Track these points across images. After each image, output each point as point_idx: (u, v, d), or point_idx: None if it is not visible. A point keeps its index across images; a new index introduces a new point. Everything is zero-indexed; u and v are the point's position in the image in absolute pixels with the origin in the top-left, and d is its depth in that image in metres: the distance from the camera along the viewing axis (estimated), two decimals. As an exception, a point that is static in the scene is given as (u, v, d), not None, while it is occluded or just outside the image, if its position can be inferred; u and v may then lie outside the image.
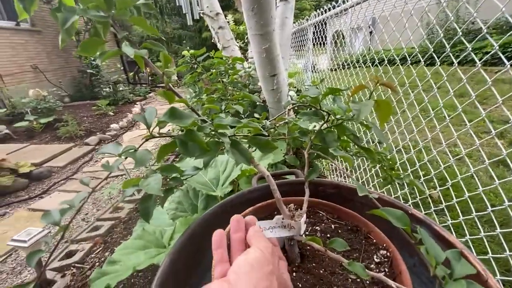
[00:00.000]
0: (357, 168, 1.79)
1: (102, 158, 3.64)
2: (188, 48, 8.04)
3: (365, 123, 0.46)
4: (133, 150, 0.38)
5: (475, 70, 0.87)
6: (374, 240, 0.47)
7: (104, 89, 7.25)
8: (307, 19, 2.99)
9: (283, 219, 0.40)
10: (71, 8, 0.31)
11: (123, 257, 1.05)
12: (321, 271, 0.41)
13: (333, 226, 0.52)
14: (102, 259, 1.57)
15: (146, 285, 1.41)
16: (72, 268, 1.49)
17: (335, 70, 2.42)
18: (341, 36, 2.56)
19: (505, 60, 0.77)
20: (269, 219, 0.40)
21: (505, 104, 0.81)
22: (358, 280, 0.39)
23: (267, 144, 0.45)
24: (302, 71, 3.65)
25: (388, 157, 0.55)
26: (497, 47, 0.80)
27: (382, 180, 0.58)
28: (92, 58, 7.28)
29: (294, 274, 0.41)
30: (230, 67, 2.14)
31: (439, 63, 1.05)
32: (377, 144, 1.74)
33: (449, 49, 0.97)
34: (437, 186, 1.11)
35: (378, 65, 1.62)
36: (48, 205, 2.47)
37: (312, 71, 3.24)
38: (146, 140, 0.41)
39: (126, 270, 0.97)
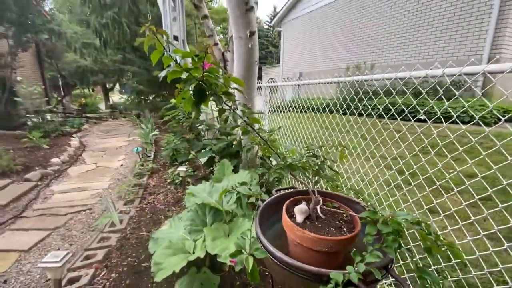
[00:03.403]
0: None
1: (52, 195, 3.45)
2: (134, 82, 8.09)
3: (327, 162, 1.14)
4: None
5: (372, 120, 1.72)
6: (345, 211, 1.12)
7: (31, 119, 6.52)
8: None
9: (308, 201, 1.01)
10: None
11: (163, 260, 1.41)
12: (325, 222, 1.03)
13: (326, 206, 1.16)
14: (110, 279, 1.75)
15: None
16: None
17: (271, 112, 3.31)
18: (275, 83, 3.45)
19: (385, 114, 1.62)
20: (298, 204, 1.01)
21: (384, 142, 1.65)
22: (337, 222, 1.03)
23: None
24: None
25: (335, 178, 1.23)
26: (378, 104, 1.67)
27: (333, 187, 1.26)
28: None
29: (313, 223, 1.02)
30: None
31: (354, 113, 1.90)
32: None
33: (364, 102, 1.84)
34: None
35: (306, 111, 2.49)
36: (4, 245, 2.32)
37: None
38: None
39: (172, 266, 1.34)
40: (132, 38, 7.73)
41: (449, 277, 1.33)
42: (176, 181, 3.60)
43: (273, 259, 0.88)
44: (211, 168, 2.86)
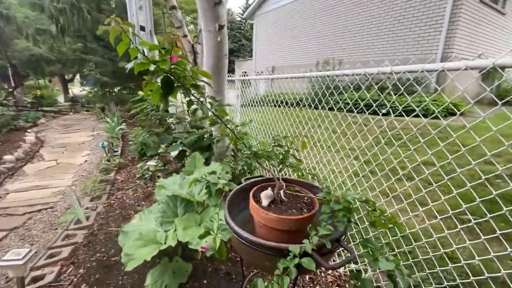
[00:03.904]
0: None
1: (7, 194, 3.18)
2: (97, 73, 7.61)
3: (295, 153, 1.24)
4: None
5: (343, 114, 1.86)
6: (305, 194, 1.23)
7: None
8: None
9: (274, 187, 1.10)
10: None
11: (134, 251, 1.43)
12: (288, 205, 1.13)
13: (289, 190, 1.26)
14: (78, 275, 1.70)
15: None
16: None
17: (244, 106, 3.39)
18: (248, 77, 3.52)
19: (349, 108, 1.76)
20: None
21: (353, 135, 1.81)
22: (299, 204, 1.13)
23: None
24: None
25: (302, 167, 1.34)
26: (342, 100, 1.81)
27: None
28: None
29: (277, 206, 1.11)
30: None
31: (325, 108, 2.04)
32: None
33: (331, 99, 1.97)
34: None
35: (279, 105, 2.60)
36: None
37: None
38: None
39: (143, 256, 1.37)
40: (94, 25, 7.22)
41: (396, 249, 1.53)
42: (146, 175, 3.53)
43: (240, 239, 0.95)
44: (182, 161, 2.86)
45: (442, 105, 2.01)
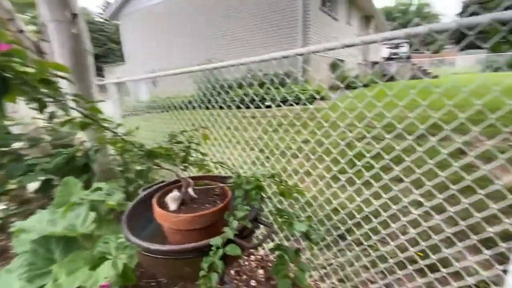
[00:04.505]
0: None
1: None
2: None
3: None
4: None
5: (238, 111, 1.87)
6: (215, 184, 1.17)
7: None
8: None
9: (179, 189, 0.99)
10: None
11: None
12: (200, 201, 1.04)
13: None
14: None
15: None
16: None
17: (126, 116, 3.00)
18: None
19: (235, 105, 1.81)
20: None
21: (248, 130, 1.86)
22: (211, 198, 1.06)
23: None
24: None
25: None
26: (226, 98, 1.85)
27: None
28: None
29: (189, 206, 1.00)
30: None
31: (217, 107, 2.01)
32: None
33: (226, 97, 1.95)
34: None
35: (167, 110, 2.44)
36: None
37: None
38: None
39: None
40: None
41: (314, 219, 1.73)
42: (-9, 227, 2.50)
43: (150, 254, 0.80)
44: (49, 194, 2.19)
45: (309, 93, 2.43)
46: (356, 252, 1.42)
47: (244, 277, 1.62)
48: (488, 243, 1.03)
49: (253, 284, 1.56)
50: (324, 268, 1.57)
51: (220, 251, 0.74)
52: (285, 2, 8.63)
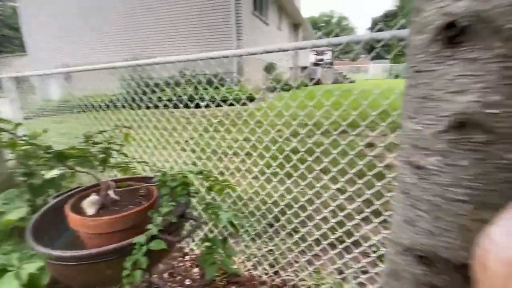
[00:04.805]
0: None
1: None
2: None
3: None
4: None
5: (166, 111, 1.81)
6: (139, 185, 1.13)
7: None
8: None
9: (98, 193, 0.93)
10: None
11: None
12: (123, 203, 1.00)
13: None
14: None
15: None
16: None
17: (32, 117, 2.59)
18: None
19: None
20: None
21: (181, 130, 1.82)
22: (136, 199, 1.03)
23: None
24: None
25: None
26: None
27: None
28: None
29: (110, 209, 0.95)
30: None
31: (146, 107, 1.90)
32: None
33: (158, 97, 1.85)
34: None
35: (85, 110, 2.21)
36: None
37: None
38: None
39: None
40: None
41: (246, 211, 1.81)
42: None
43: (64, 262, 0.74)
44: None
45: (248, 93, 2.54)
46: (281, 236, 1.58)
47: (179, 277, 1.61)
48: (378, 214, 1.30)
49: (188, 283, 1.56)
50: (256, 256, 1.69)
51: (144, 248, 0.74)
52: (218, 5, 8.68)
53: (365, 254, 1.34)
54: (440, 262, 0.57)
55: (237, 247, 1.75)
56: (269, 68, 11.08)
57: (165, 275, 1.63)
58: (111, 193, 0.99)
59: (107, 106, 2.21)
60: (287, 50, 1.24)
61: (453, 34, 0.48)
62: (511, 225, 0.42)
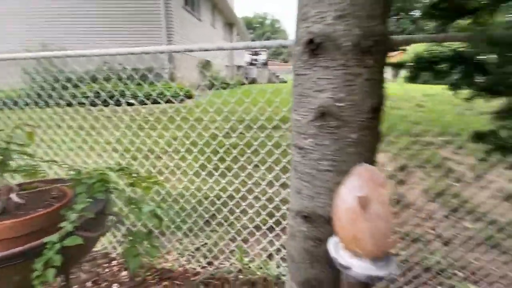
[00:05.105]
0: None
1: None
2: None
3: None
4: None
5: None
6: (50, 186, 1.04)
7: None
8: None
9: None
10: None
11: None
12: (31, 207, 0.91)
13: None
14: None
15: None
16: None
17: None
18: None
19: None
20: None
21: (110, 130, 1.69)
22: (47, 202, 0.96)
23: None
24: None
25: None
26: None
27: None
28: None
29: (13, 214, 0.87)
30: None
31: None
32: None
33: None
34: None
35: None
36: None
37: None
38: None
39: None
40: None
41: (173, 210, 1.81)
42: None
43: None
44: None
45: (182, 91, 2.50)
46: (212, 227, 1.67)
47: (104, 284, 1.53)
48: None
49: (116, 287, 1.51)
50: (189, 250, 1.74)
51: (57, 246, 0.72)
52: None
53: (284, 231, 1.55)
54: (319, 219, 0.76)
55: (170, 244, 1.76)
56: (205, 66, 10.94)
57: (89, 283, 1.53)
58: (13, 196, 0.90)
59: (4, 103, 1.89)
60: (225, 50, 1.32)
61: (314, 47, 0.66)
62: (351, 184, 0.61)
